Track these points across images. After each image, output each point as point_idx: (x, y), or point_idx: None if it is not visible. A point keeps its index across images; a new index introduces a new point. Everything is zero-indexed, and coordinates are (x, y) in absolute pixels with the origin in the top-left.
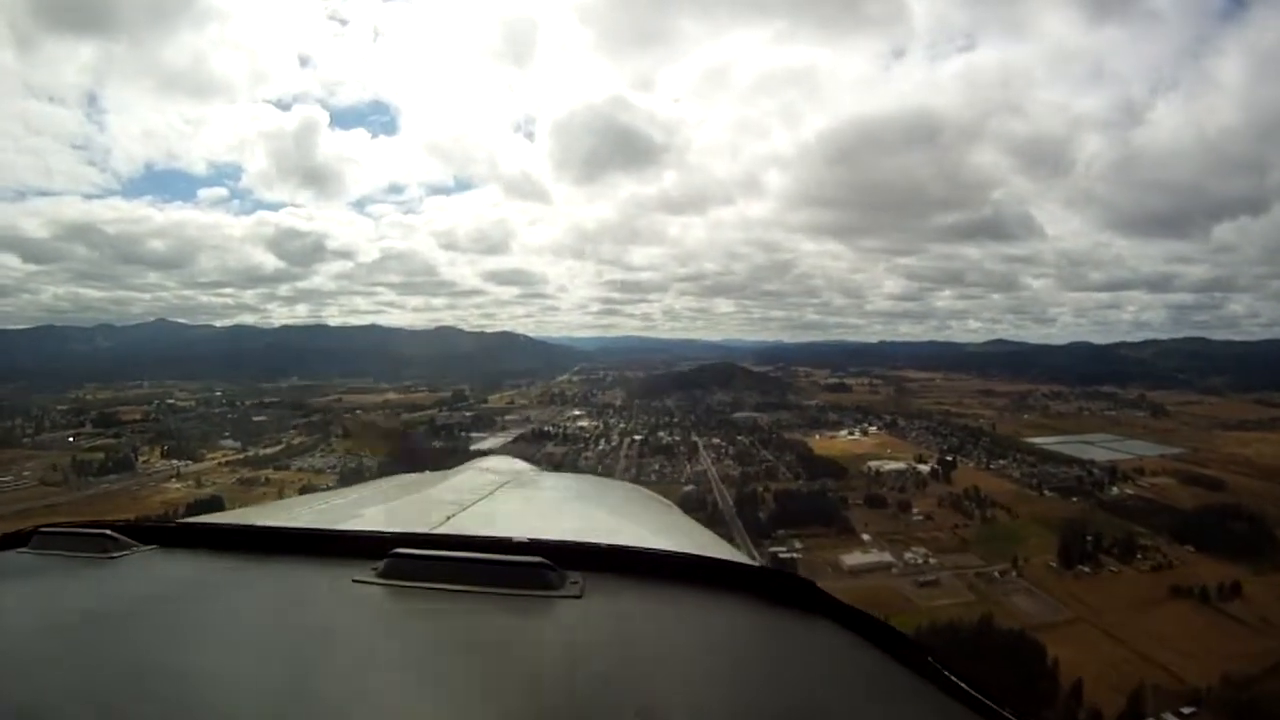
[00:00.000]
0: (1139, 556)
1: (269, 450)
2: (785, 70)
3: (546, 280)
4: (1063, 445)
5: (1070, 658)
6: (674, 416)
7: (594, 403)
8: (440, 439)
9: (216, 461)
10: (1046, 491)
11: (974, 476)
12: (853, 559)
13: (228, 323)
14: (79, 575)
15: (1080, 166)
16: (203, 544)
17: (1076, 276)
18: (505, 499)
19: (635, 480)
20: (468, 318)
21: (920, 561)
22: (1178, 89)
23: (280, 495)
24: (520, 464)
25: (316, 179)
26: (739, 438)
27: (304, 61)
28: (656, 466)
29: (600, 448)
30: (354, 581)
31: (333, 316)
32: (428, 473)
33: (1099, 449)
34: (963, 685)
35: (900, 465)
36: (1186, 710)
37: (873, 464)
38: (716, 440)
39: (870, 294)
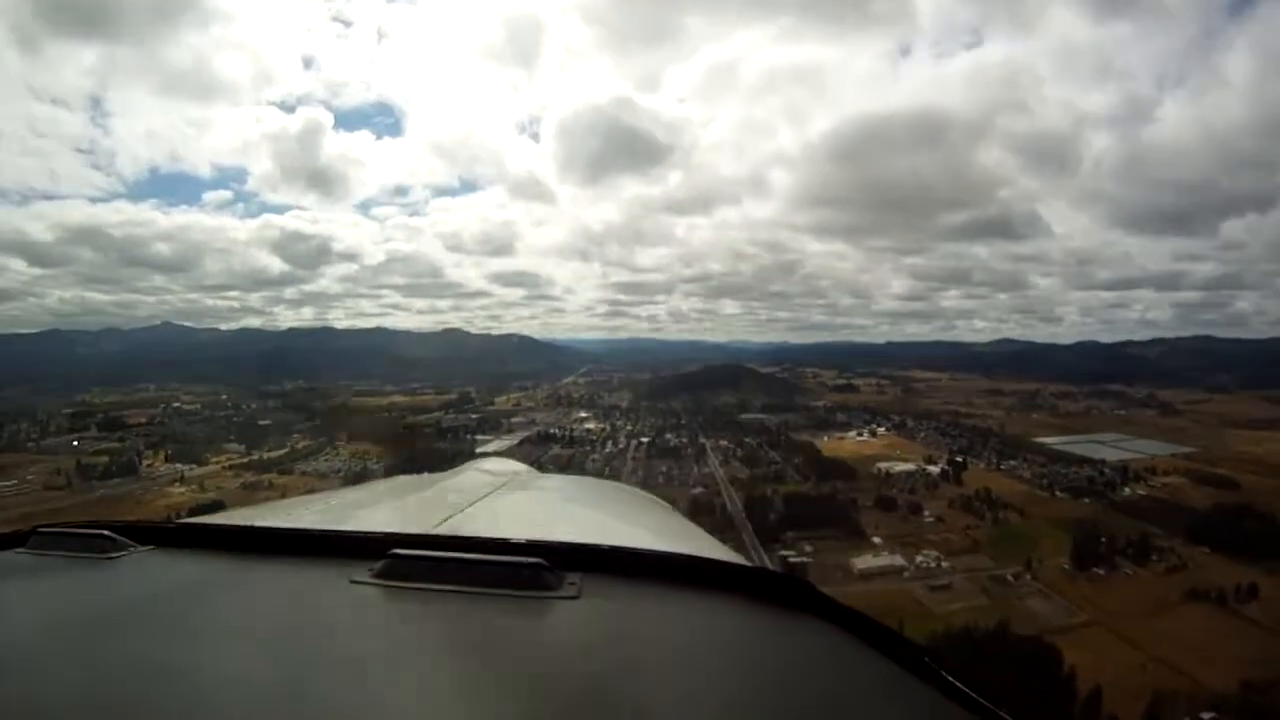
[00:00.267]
0: (1153, 558)
1: (274, 454)
2: (791, 68)
3: (553, 282)
4: (1072, 445)
5: (1087, 663)
6: (681, 418)
7: (600, 405)
8: (446, 441)
9: (220, 465)
10: (1058, 492)
11: (984, 477)
12: (864, 562)
13: (234, 326)
14: (76, 575)
15: (1088, 164)
16: (200, 544)
17: (1083, 275)
18: (503, 500)
19: (643, 483)
20: (474, 320)
21: (932, 565)
22: (1185, 85)
23: (283, 499)
24: (518, 465)
25: (321, 181)
26: (746, 439)
27: (308, 63)
28: (664, 469)
29: (607, 450)
30: (351, 582)
31: (339, 319)
32: (425, 474)
33: (1109, 448)
34: (959, 685)
35: (910, 466)
36: (1206, 716)
37: (882, 465)
38: (724, 442)
39: (876, 294)
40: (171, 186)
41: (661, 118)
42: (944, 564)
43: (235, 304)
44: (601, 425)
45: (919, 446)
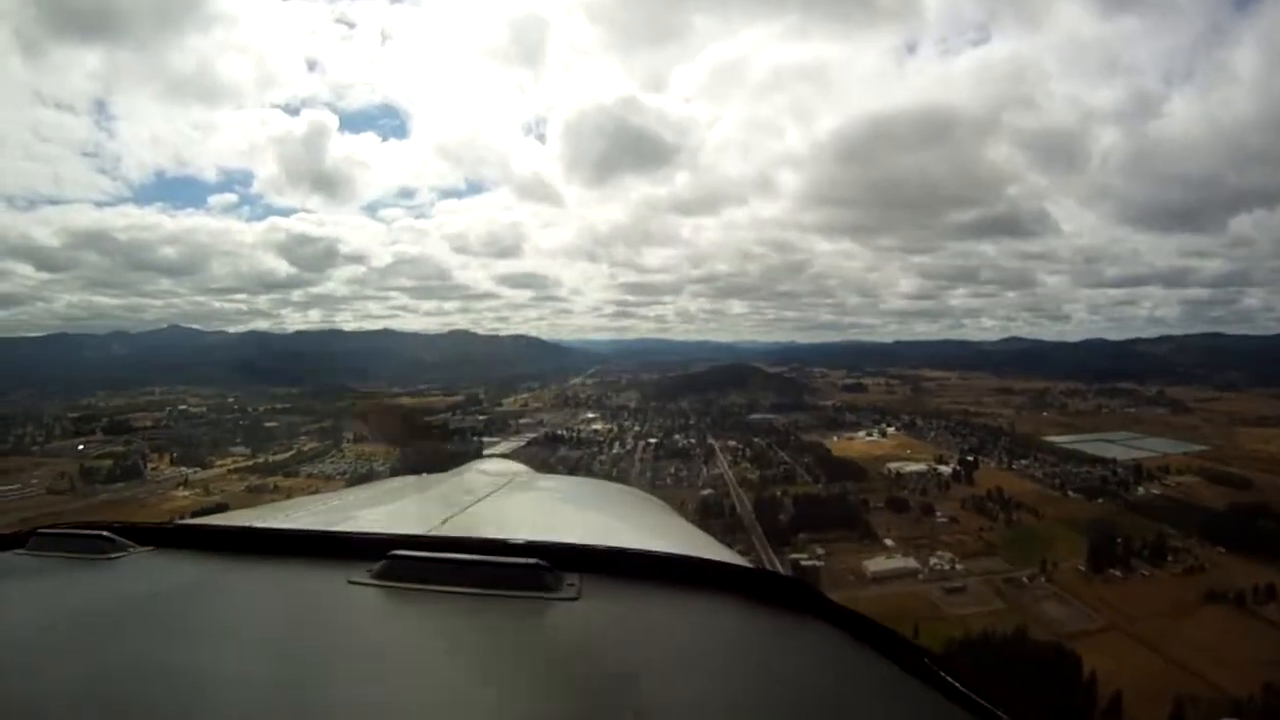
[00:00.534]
0: (1169, 559)
1: (279, 456)
2: (797, 66)
3: (560, 283)
4: (1084, 444)
5: (1107, 668)
6: (689, 419)
7: (608, 405)
8: (453, 443)
9: (225, 468)
10: (1071, 492)
11: (996, 477)
12: (876, 565)
13: (241, 329)
14: (76, 576)
15: (1096, 160)
16: (200, 545)
17: (1091, 272)
18: (502, 501)
19: (651, 484)
20: (481, 321)
21: (946, 567)
22: (1193, 80)
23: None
24: (517, 466)
25: (327, 184)
26: (755, 440)
27: (312, 65)
28: (672, 470)
29: (615, 451)
30: (350, 583)
31: (346, 321)
32: (425, 475)
33: (1120, 447)
34: (958, 685)
35: (921, 467)
36: None
37: (893, 465)
38: (733, 442)
39: (884, 293)
40: (177, 190)
41: (668, 117)
42: (958, 566)
43: (243, 307)
44: (609, 426)
45: (929, 446)
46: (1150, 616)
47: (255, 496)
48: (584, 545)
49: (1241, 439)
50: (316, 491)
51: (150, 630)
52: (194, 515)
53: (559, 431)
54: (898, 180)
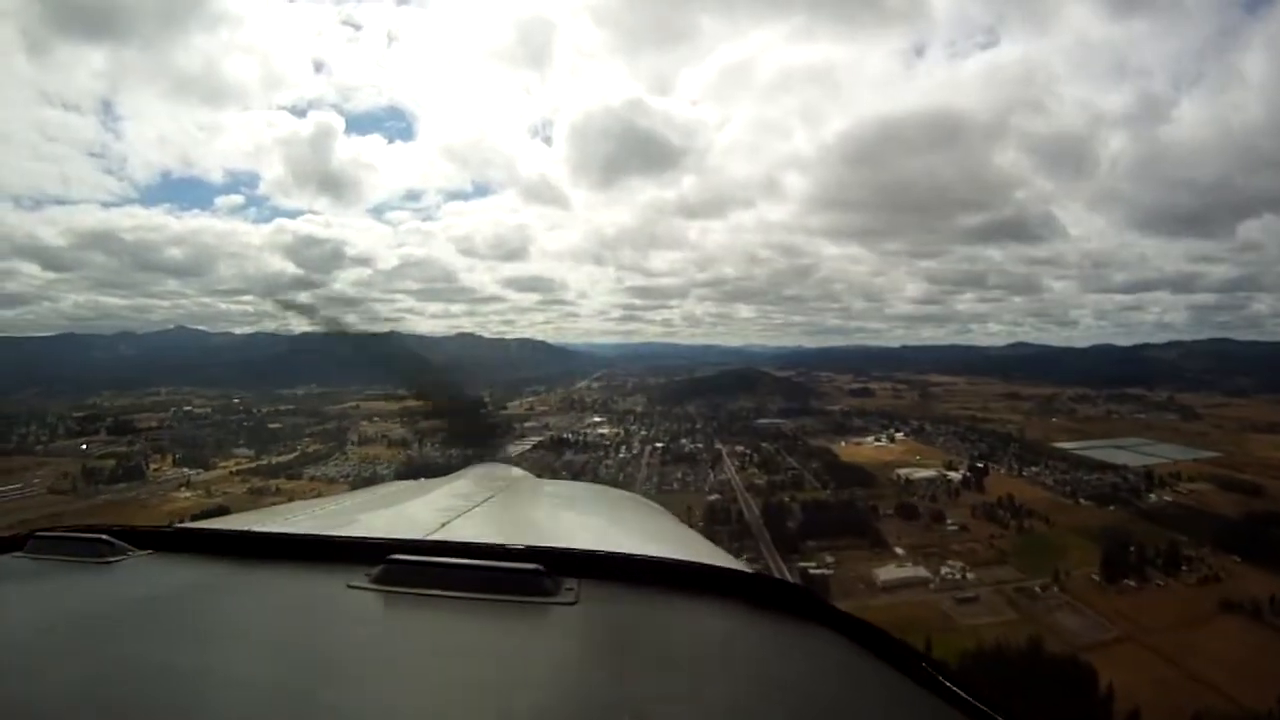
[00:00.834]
0: (1184, 568)
1: (282, 458)
2: (804, 69)
3: (566, 286)
4: (1094, 450)
5: (1124, 682)
6: (696, 423)
7: (614, 409)
8: (458, 446)
9: (228, 470)
10: (1082, 499)
11: (1006, 484)
12: (887, 573)
13: (248, 330)
14: (75, 580)
15: (1104, 165)
16: (199, 549)
17: (1099, 278)
18: (501, 505)
19: (657, 490)
20: (487, 324)
21: (957, 576)
22: (1202, 84)
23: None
24: (516, 470)
25: (333, 185)
26: (763, 445)
27: (318, 67)
28: (679, 475)
29: (621, 456)
30: (349, 587)
31: (352, 324)
32: (424, 479)
33: (1131, 453)
34: (958, 691)
35: (930, 473)
36: None
37: (902, 471)
38: (740, 447)
39: (891, 298)
40: (183, 191)
41: (675, 120)
42: (969, 575)
43: (249, 308)
44: (615, 430)
45: (938, 451)
46: (1166, 628)
47: (257, 498)
48: (582, 550)
49: (1252, 445)
50: (319, 494)
51: (149, 634)
52: (194, 517)
53: (565, 435)
54: (905, 184)
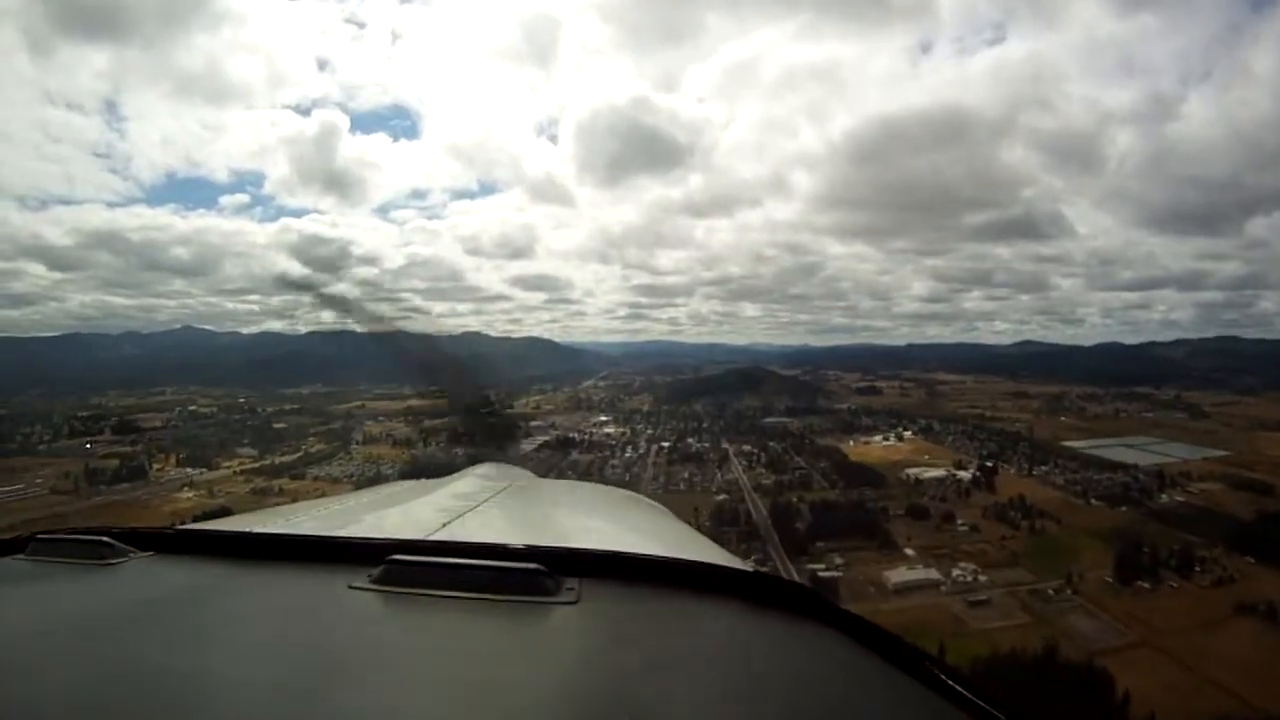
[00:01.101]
0: (1198, 570)
1: (286, 458)
2: (811, 66)
3: (572, 285)
4: (1103, 449)
5: (1141, 687)
6: (702, 422)
7: (620, 408)
8: (463, 446)
9: (231, 470)
10: (1093, 499)
11: (1016, 484)
12: (898, 576)
13: (254, 329)
14: (76, 582)
15: (1112, 162)
16: (200, 550)
17: (1105, 275)
18: (501, 505)
19: (664, 490)
20: (494, 323)
21: (969, 579)
22: (1211, 80)
23: (284, 505)
24: (516, 470)
25: (339, 185)
26: (770, 444)
27: (322, 65)
28: (685, 475)
29: (627, 455)
30: (350, 588)
31: (359, 323)
32: (424, 480)
33: (1140, 452)
34: (960, 689)
35: (940, 472)
36: None
37: (911, 471)
38: (747, 447)
39: (897, 296)
40: (188, 190)
41: (681, 118)
42: (981, 578)
43: (255, 307)
44: (622, 430)
45: (947, 451)
46: (1181, 631)
47: (260, 499)
48: (583, 550)
49: (1261, 444)
50: (322, 494)
51: (151, 636)
52: (196, 518)
53: (571, 435)
54: (912, 182)
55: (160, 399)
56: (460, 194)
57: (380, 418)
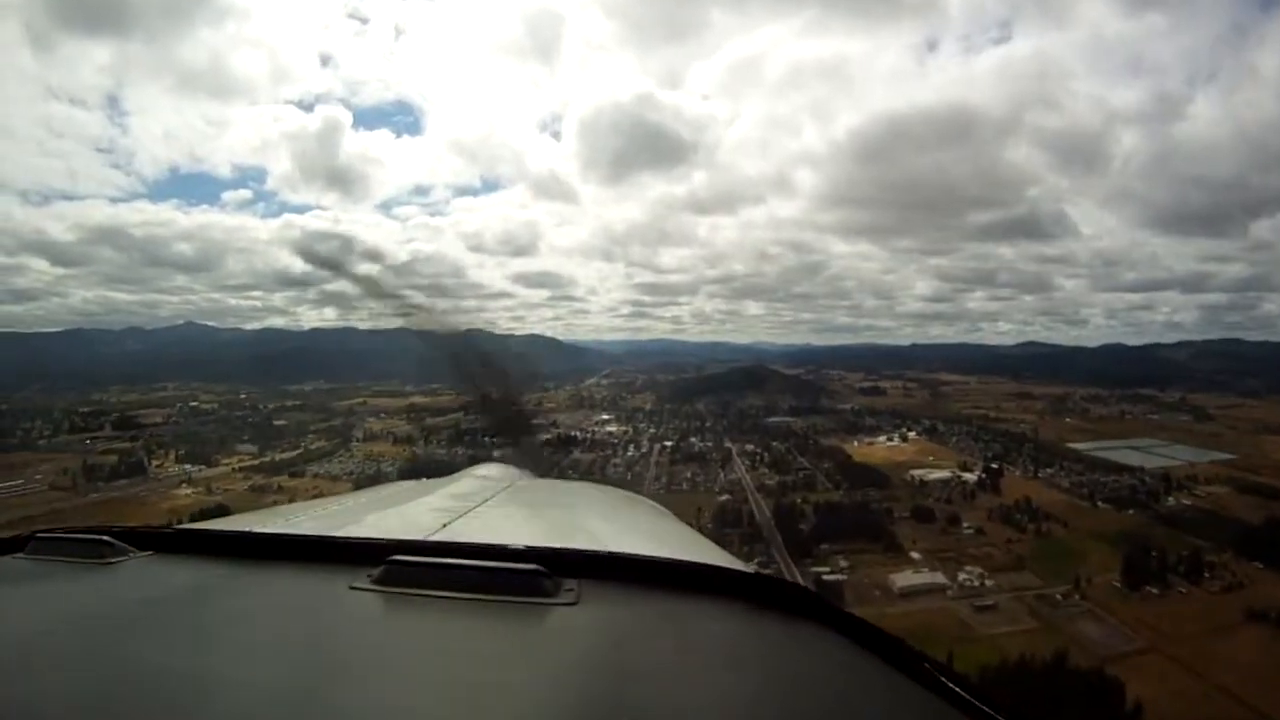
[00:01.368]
0: (1206, 575)
1: (286, 455)
2: (816, 63)
3: (575, 283)
4: (1109, 451)
5: (1151, 695)
6: (705, 421)
7: (623, 407)
8: (464, 445)
9: (231, 467)
10: (1100, 502)
11: (1022, 486)
12: (904, 579)
13: (257, 325)
14: (75, 581)
15: (1117, 162)
16: (200, 550)
17: (1109, 276)
18: (501, 506)
19: (666, 490)
20: (497, 320)
21: (976, 583)
22: (1218, 81)
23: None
24: (516, 470)
25: (342, 180)
26: (774, 444)
27: (325, 61)
28: (688, 474)
29: (629, 454)
30: (350, 588)
31: (361, 319)
32: (424, 479)
33: (1145, 455)
34: (960, 691)
35: (944, 474)
36: None
37: (915, 472)
38: (750, 446)
39: (901, 295)
40: (191, 186)
41: (685, 115)
42: (988, 582)
43: (258, 304)
44: (624, 428)
45: (951, 452)
46: (1191, 637)
47: (258, 496)
48: (583, 550)
49: (1267, 447)
50: (320, 493)
51: (151, 636)
52: (193, 516)
53: (573, 433)
54: (916, 181)
55: (162, 395)
56: (463, 190)
57: (382, 415)
